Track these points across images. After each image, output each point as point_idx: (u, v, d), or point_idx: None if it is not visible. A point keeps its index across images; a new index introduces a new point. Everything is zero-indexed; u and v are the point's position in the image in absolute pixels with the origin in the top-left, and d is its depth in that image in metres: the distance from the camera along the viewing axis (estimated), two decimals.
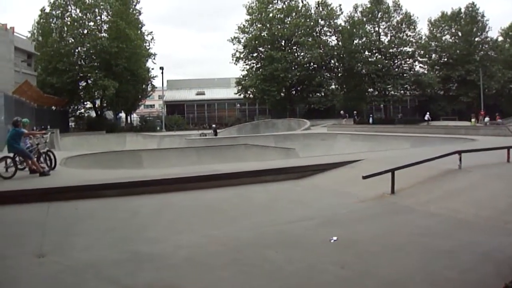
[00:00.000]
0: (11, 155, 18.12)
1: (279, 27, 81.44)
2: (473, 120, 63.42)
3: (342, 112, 75.49)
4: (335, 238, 8.91)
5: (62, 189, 14.95)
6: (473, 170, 14.76)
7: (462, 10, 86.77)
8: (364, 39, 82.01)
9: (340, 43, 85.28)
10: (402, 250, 8.24)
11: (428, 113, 76.79)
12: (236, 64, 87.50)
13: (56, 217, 12.14)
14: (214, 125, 54.85)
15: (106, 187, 15.15)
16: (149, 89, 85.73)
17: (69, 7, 72.83)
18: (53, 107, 71.65)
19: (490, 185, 13.19)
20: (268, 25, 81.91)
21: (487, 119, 66.83)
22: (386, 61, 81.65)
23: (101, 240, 9.83)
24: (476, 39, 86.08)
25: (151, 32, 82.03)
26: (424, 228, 9.71)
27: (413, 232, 9.50)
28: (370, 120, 74.30)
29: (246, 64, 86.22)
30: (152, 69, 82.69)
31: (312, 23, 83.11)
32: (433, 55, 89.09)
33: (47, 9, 72.01)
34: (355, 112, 75.36)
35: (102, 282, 7.20)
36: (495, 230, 9.49)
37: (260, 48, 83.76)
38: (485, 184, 13.27)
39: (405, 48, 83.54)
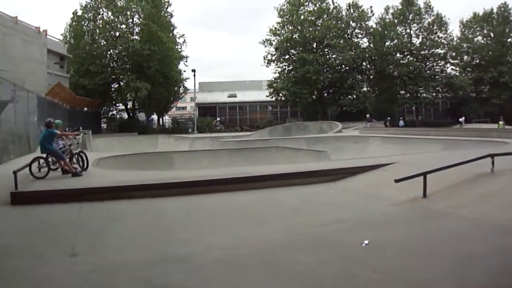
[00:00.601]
0: (44, 155, 18.38)
1: (310, 29, 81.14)
2: (501, 122, 62.70)
3: (368, 115, 74.99)
4: (366, 241, 8.89)
5: (94, 190, 15.16)
6: (506, 173, 14.58)
7: (494, 11, 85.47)
8: (395, 41, 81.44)
9: (371, 45, 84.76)
10: (433, 254, 8.21)
11: (463, 117, 76.16)
12: (268, 67, 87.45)
13: (88, 217, 12.33)
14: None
15: (138, 188, 15.27)
16: (181, 91, 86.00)
17: (101, 10, 73.77)
18: (85, 109, 72.46)
19: None
20: (299, 27, 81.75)
21: None
22: (418, 63, 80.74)
23: (133, 240, 9.97)
24: (509, 40, 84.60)
25: (183, 35, 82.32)
26: (456, 232, 9.65)
27: (445, 236, 9.46)
28: (401, 123, 73.43)
29: (278, 67, 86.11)
30: (184, 71, 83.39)
31: (343, 25, 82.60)
32: (465, 57, 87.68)
33: (79, 12, 72.90)
34: (388, 118, 74.76)
35: (134, 283, 7.28)
36: None
37: (292, 51, 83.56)
38: None
39: (436, 50, 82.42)
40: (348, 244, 9.02)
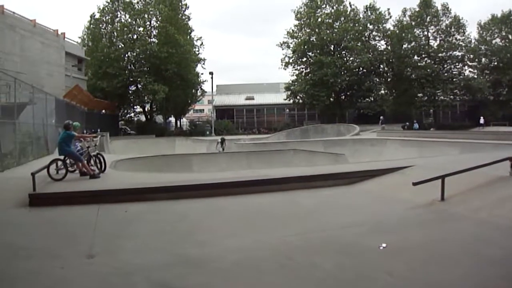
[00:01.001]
0: (62, 157, 18.49)
1: (328, 31, 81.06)
2: None
3: (381, 117, 74.78)
4: (384, 245, 8.87)
5: (112, 192, 15.18)
6: None
7: None
8: (413, 43, 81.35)
9: (389, 47, 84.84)
10: (452, 258, 8.17)
11: (482, 117, 75.92)
12: (285, 69, 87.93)
13: (106, 219, 12.35)
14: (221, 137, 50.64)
15: (155, 191, 15.30)
16: (198, 93, 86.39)
17: (118, 13, 74.32)
18: (103, 111, 72.75)
19: None
20: (316, 30, 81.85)
21: None
22: (436, 66, 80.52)
23: (150, 243, 9.97)
24: None
25: (200, 38, 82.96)
26: (475, 235, 9.59)
27: (463, 239, 9.41)
28: (415, 126, 73.05)
29: (295, 69, 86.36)
30: (202, 74, 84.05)
31: (361, 28, 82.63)
32: (483, 59, 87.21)
33: (97, 15, 73.61)
34: (407, 123, 74.50)
35: (152, 285, 7.28)
36: None
37: (309, 53, 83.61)
38: None
39: (454, 52, 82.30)
40: (365, 248, 9.00)
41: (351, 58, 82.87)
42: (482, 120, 74.53)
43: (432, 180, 13.54)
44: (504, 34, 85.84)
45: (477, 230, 10.00)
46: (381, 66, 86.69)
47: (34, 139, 28.68)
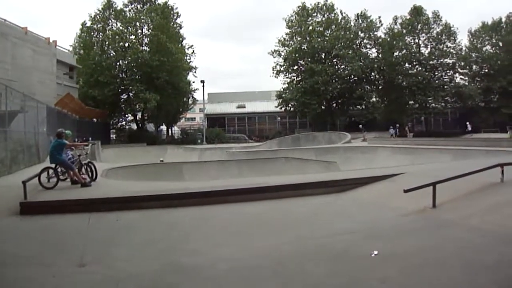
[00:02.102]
0: (53, 165, 18.50)
1: (319, 40, 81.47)
2: (509, 132, 62.67)
3: (360, 126, 75.01)
4: (376, 252, 8.87)
5: (103, 200, 15.17)
6: None
7: (503, 20, 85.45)
8: (404, 51, 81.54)
9: (380, 55, 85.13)
10: (444, 265, 8.17)
11: (468, 122, 76.29)
12: (277, 77, 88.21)
13: (97, 227, 12.35)
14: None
15: (147, 199, 15.32)
16: (190, 102, 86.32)
17: (110, 21, 74.31)
18: (95, 119, 72.73)
19: None
20: (308, 38, 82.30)
21: None
22: (427, 73, 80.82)
23: (142, 251, 9.98)
24: None
25: (192, 46, 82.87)
26: (467, 242, 9.59)
27: (455, 246, 9.41)
28: (391, 132, 72.78)
29: (287, 77, 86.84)
30: (193, 82, 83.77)
31: (352, 36, 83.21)
32: (474, 66, 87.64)
33: (88, 23, 73.53)
34: (397, 124, 74.63)
35: None
36: None
37: (301, 61, 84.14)
38: None
39: (445, 60, 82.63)
40: (357, 255, 9.00)
41: (342, 66, 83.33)
42: (469, 127, 74.80)
43: (423, 187, 13.57)
44: (494, 41, 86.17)
45: (469, 237, 10.00)
46: (372, 73, 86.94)
47: (26, 147, 28.59)
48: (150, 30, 74.05)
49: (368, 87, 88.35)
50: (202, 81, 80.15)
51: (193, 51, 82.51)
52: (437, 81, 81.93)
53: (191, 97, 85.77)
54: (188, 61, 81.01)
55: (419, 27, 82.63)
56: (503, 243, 9.44)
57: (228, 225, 12.58)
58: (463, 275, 7.58)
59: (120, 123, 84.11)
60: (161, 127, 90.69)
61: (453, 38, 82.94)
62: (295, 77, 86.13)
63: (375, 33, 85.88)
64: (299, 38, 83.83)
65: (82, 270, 8.57)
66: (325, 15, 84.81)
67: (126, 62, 73.92)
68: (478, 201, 13.24)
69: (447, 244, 9.62)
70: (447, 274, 7.65)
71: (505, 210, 12.05)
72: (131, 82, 71.96)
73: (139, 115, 79.94)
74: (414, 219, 12.35)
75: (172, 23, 77.98)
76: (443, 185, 13.63)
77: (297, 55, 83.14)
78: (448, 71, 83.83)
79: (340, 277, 7.79)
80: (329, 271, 8.11)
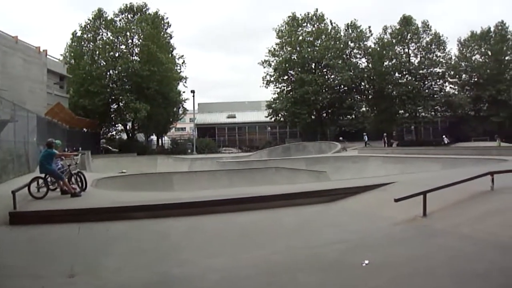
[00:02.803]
0: (43, 175, 18.40)
1: (309, 50, 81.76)
2: (498, 140, 63.04)
3: (341, 138, 75.40)
4: (366, 261, 8.84)
5: (93, 210, 15.09)
6: (506, 191, 14.63)
7: (492, 29, 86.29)
8: (394, 60, 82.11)
9: (370, 65, 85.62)
10: (435, 273, 8.17)
11: (444, 136, 76.78)
12: (267, 87, 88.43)
13: (87, 238, 12.29)
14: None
15: (137, 209, 15.21)
16: (180, 112, 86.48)
17: (100, 30, 74.40)
18: (85, 129, 72.60)
19: None
20: (298, 48, 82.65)
21: None
22: (416, 83, 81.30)
23: (132, 261, 9.95)
24: (507, 58, 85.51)
25: (182, 56, 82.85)
26: (458, 250, 9.60)
27: (446, 254, 9.41)
28: (365, 138, 73.54)
29: (277, 87, 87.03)
30: (183, 92, 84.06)
31: (342, 46, 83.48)
32: (463, 75, 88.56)
33: (79, 33, 73.35)
34: (384, 134, 74.82)
35: None
36: None
37: (291, 71, 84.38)
38: None
39: (435, 69, 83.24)
40: (348, 264, 8.99)
41: (332, 76, 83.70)
42: (445, 140, 75.08)
43: (414, 196, 13.57)
44: (483, 50, 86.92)
45: (460, 245, 10.01)
46: (362, 83, 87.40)
47: (15, 157, 28.50)
48: (140, 40, 74.24)
49: (358, 97, 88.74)
50: (193, 91, 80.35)
51: (184, 61, 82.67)
52: (426, 90, 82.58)
53: (181, 107, 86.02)
54: (179, 71, 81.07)
55: (408, 36, 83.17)
56: (494, 251, 9.45)
57: (218, 235, 12.55)
58: (454, 284, 7.57)
59: (110, 133, 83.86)
60: (151, 137, 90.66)
61: (442, 48, 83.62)
62: (285, 87, 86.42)
63: (365, 43, 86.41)
64: (289, 48, 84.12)
65: (71, 281, 8.51)
66: (315, 25, 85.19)
67: (116, 71, 74.05)
68: (469, 210, 13.26)
69: (438, 253, 9.61)
70: (438, 283, 7.65)
71: (496, 219, 12.06)
72: (121, 92, 72.00)
73: (129, 125, 79.82)
74: (405, 228, 12.35)
75: (162, 33, 78.08)
76: (433, 194, 13.64)
77: (287, 65, 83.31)
78: (437, 80, 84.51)
79: (331, 286, 7.79)
80: (321, 280, 8.08)
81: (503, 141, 63.74)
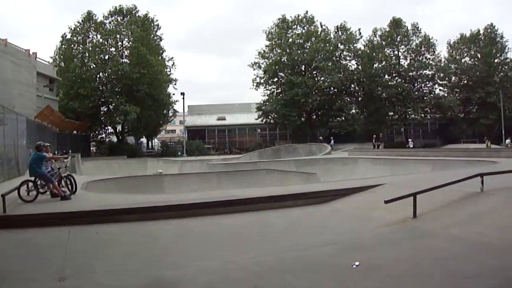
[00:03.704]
0: (33, 178, 18.31)
1: (299, 52, 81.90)
2: (487, 142, 63.43)
3: (320, 138, 75.51)
4: (357, 263, 8.83)
5: (83, 213, 15.05)
6: (496, 192, 14.65)
7: (481, 32, 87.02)
8: (383, 62, 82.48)
9: (360, 67, 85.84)
10: (425, 275, 8.17)
11: (410, 139, 77.16)
12: (257, 90, 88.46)
13: (77, 241, 12.20)
14: None
15: (127, 212, 15.20)
16: (170, 114, 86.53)
17: (90, 33, 74.09)
18: (75, 132, 72.44)
19: None
20: (288, 50, 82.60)
21: (508, 141, 66.90)
22: (406, 85, 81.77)
23: (122, 264, 9.86)
24: (496, 60, 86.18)
25: (172, 58, 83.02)
26: (448, 252, 9.60)
27: (436, 256, 9.41)
28: (331, 143, 73.58)
29: (267, 89, 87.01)
30: (173, 94, 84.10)
31: (331, 48, 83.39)
32: (453, 78, 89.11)
33: (68, 36, 73.15)
34: (374, 136, 75.10)
35: None
36: None
37: (280, 73, 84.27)
38: (509, 207, 13.15)
39: (425, 71, 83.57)
40: (338, 266, 8.98)
41: (322, 78, 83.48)
42: (411, 144, 75.07)
43: (403, 198, 13.59)
44: (473, 53, 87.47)
45: (450, 246, 10.02)
46: (352, 85, 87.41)
47: (5, 160, 28.43)
48: (130, 42, 74.20)
49: (348, 99, 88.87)
50: (182, 93, 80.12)
51: (173, 63, 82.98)
52: (416, 93, 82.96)
53: (171, 109, 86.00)
54: (168, 73, 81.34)
55: (398, 39, 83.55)
56: (484, 252, 9.45)
57: (208, 238, 12.53)
58: (443, 285, 7.58)
59: (100, 136, 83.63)
60: (142, 139, 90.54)
61: (432, 50, 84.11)
62: (275, 89, 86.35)
63: (355, 45, 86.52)
64: (279, 50, 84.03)
65: (62, 284, 8.47)
66: (305, 28, 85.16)
67: (106, 74, 73.92)
68: (459, 211, 13.29)
69: (428, 254, 9.62)
70: (428, 284, 7.65)
71: (485, 220, 12.11)
72: (111, 95, 71.91)
73: (119, 128, 79.65)
74: (395, 229, 12.36)
75: (152, 35, 78.17)
76: (423, 196, 13.67)
77: (277, 67, 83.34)
78: (427, 83, 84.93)
79: None
80: (310, 282, 8.07)
81: (492, 142, 64.24)
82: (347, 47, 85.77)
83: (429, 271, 8.39)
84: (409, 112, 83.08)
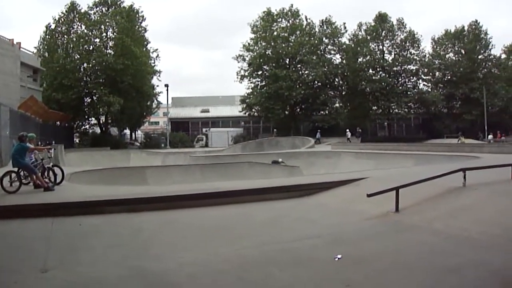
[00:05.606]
0: (16, 169, 18.24)
1: (283, 45, 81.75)
2: (462, 137, 63.92)
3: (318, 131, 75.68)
4: (339, 256, 8.87)
5: (66, 205, 14.98)
6: (478, 187, 14.76)
7: (466, 28, 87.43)
8: (368, 57, 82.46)
9: (344, 61, 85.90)
10: (408, 268, 8.22)
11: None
12: (241, 82, 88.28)
13: (60, 232, 12.13)
14: None
15: (110, 203, 15.11)
16: (154, 106, 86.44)
17: (74, 23, 73.49)
18: (58, 123, 72.20)
19: (495, 202, 13.21)
20: (272, 43, 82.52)
21: (490, 136, 67.44)
22: (390, 79, 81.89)
23: (105, 256, 9.82)
24: (480, 56, 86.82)
25: (156, 50, 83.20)
26: (430, 245, 9.67)
27: (418, 250, 9.48)
28: (318, 136, 73.94)
29: (251, 82, 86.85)
30: (157, 86, 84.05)
31: (316, 42, 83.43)
32: (437, 73, 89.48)
33: (52, 26, 72.56)
34: (359, 129, 75.26)
35: None
36: (501, 247, 9.41)
37: (265, 66, 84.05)
38: (490, 201, 13.28)
39: (409, 66, 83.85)
40: (321, 259, 9.00)
41: (306, 72, 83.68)
42: (349, 135, 74.58)
43: (386, 192, 13.64)
44: (457, 49, 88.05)
45: (432, 240, 10.08)
46: (336, 79, 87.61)
47: None
48: (115, 34, 73.76)
49: (332, 93, 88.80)
50: (166, 85, 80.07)
51: (158, 55, 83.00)
52: (400, 87, 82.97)
53: (155, 101, 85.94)
54: (153, 65, 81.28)
55: (383, 33, 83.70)
56: (466, 246, 9.54)
57: (191, 230, 12.49)
58: (426, 279, 7.62)
59: (83, 127, 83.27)
60: (125, 131, 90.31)
61: (416, 45, 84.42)
62: (259, 82, 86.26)
63: (340, 39, 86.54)
64: (263, 43, 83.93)
65: (45, 275, 8.40)
66: (290, 21, 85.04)
67: (90, 65, 73.44)
68: (441, 205, 13.35)
69: (410, 248, 9.69)
70: (411, 278, 7.70)
71: (467, 214, 12.19)
72: (95, 86, 71.46)
73: (102, 119, 79.32)
74: (377, 223, 12.41)
75: (137, 26, 77.92)
76: (406, 190, 13.73)
77: (261, 60, 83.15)
78: (411, 78, 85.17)
79: (304, 281, 7.78)
80: (294, 275, 8.09)
81: (466, 138, 64.80)
82: (332, 41, 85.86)
83: (411, 265, 8.44)
84: (393, 107, 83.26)
